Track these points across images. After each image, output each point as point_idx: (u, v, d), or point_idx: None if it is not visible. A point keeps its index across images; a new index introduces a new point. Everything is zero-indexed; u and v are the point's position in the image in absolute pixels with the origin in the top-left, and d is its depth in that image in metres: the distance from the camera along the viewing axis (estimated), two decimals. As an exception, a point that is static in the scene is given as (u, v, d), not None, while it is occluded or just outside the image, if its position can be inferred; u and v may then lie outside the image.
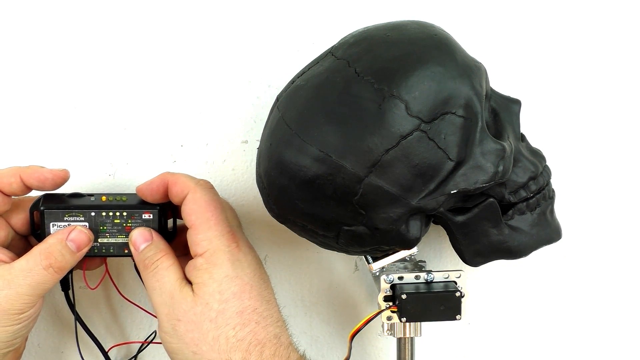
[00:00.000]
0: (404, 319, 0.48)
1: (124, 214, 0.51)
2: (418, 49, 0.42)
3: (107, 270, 0.55)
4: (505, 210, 0.46)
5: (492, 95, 0.46)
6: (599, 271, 0.61)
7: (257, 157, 0.47)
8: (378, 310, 0.49)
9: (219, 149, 0.57)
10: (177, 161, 0.57)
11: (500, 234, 0.46)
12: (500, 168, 0.43)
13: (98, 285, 0.56)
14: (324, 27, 0.55)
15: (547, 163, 0.49)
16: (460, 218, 0.45)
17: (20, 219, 0.51)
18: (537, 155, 0.48)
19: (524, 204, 0.46)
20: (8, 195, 0.50)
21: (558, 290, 0.62)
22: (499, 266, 0.60)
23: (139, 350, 0.60)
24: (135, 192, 0.51)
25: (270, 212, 0.47)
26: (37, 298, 0.48)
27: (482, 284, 0.60)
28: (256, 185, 0.49)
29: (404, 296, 0.47)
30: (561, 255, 0.60)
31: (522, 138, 0.48)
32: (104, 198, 0.51)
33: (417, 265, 0.51)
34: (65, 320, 0.60)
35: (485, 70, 0.45)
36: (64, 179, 0.50)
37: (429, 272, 0.49)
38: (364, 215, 0.42)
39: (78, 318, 0.54)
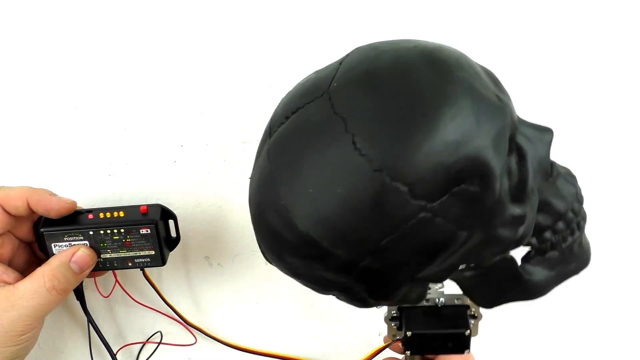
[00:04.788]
0: (408, 352, 0.46)
1: (122, 230, 0.51)
2: (428, 109, 0.34)
3: (116, 280, 0.57)
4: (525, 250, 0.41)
5: (519, 128, 0.39)
6: (598, 270, 0.61)
7: (249, 189, 0.41)
8: (384, 345, 0.48)
9: (219, 149, 0.57)
10: (177, 161, 0.57)
11: (517, 284, 0.41)
12: (519, 234, 0.37)
13: (110, 293, 0.57)
14: (324, 26, 0.55)
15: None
16: (469, 273, 0.40)
17: (24, 229, 0.52)
18: (568, 184, 0.42)
19: (548, 244, 0.41)
20: (13, 216, 0.50)
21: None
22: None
23: (140, 350, 0.60)
24: (135, 204, 0.52)
25: (263, 255, 0.43)
26: (39, 320, 0.48)
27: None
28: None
29: (409, 334, 0.45)
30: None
31: (552, 169, 0.41)
32: (101, 215, 0.52)
33: None
34: (65, 320, 0.60)
35: (510, 106, 0.38)
36: (69, 210, 0.51)
37: (439, 296, 0.46)
38: (361, 287, 0.39)
39: (91, 322, 0.56)
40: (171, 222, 0.54)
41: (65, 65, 0.55)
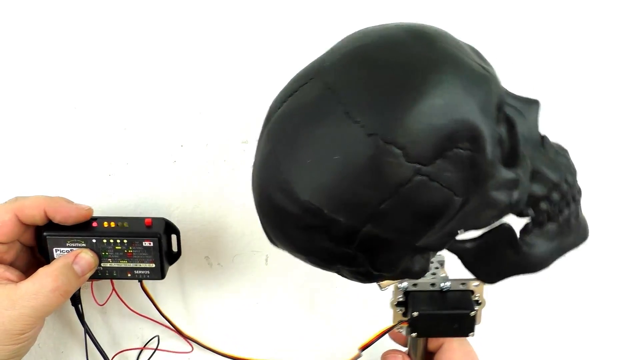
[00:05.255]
0: (414, 334, 0.46)
1: (125, 241, 0.51)
2: (415, 77, 0.36)
3: (113, 289, 0.57)
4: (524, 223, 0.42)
5: (506, 100, 0.41)
6: (596, 270, 0.61)
7: (251, 175, 0.43)
8: (390, 326, 0.48)
9: (219, 149, 0.57)
10: (177, 161, 0.57)
11: (516, 254, 0.42)
12: (514, 198, 0.39)
13: (106, 301, 0.58)
14: (323, 26, 0.55)
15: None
16: (470, 244, 0.41)
17: (28, 234, 0.52)
18: (560, 156, 0.43)
19: (545, 215, 0.41)
20: (26, 225, 0.50)
21: (555, 289, 0.62)
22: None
23: (138, 358, 0.60)
24: (140, 214, 0.53)
25: (268, 239, 0.45)
26: (39, 320, 0.48)
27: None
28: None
29: (415, 314, 0.45)
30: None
31: (543, 141, 0.43)
32: (105, 224, 0.52)
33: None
34: (65, 320, 0.60)
35: (495, 76, 0.40)
36: (86, 217, 0.51)
37: (444, 279, 0.47)
38: (364, 257, 0.40)
39: (88, 331, 0.56)
40: (174, 237, 0.54)
41: (65, 65, 0.55)
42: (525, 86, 0.56)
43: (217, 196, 0.58)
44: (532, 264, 0.42)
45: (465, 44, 0.41)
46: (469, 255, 0.42)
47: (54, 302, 0.48)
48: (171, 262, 0.54)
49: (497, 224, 0.40)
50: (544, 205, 0.41)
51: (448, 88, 0.36)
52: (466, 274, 0.47)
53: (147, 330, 0.62)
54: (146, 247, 0.51)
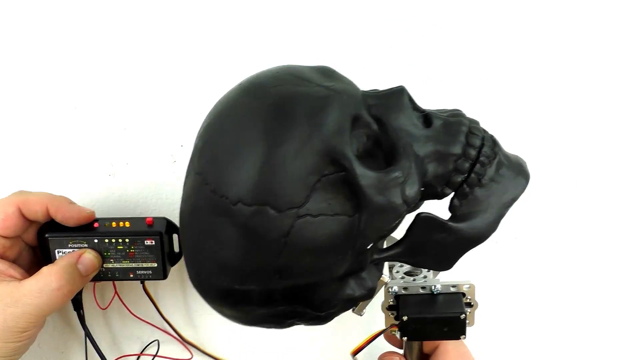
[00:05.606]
0: (405, 338, 0.46)
1: (127, 240, 0.51)
2: (254, 133, 0.36)
3: (116, 292, 0.57)
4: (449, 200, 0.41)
5: (368, 102, 0.40)
6: (592, 270, 0.61)
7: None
8: (380, 330, 0.48)
9: (219, 149, 0.57)
10: (177, 161, 0.57)
11: (453, 233, 0.40)
12: (407, 193, 0.38)
13: (108, 305, 0.58)
14: (321, 27, 0.55)
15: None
16: (399, 249, 0.41)
17: (31, 233, 0.52)
18: (454, 125, 0.41)
19: (465, 186, 0.40)
20: (29, 220, 0.50)
21: (551, 290, 0.62)
22: (495, 264, 0.60)
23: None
24: (140, 214, 0.53)
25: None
26: (41, 318, 0.48)
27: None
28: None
29: (405, 318, 0.45)
30: (557, 250, 0.60)
31: (427, 118, 0.41)
32: (107, 224, 0.52)
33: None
34: (65, 320, 0.60)
35: (343, 90, 0.39)
36: (87, 220, 0.51)
37: (435, 283, 0.47)
38: (301, 307, 0.40)
39: (89, 335, 0.56)
40: (175, 237, 0.54)
41: (65, 65, 0.55)
42: (526, 87, 0.56)
43: (217, 196, 0.58)
44: (475, 235, 0.41)
45: (308, 67, 0.41)
46: (405, 257, 0.42)
47: (57, 301, 0.48)
48: (173, 263, 0.54)
49: (415, 217, 0.40)
50: (457, 178, 0.40)
51: (290, 129, 0.36)
52: (458, 277, 0.48)
53: (147, 334, 0.62)
54: (148, 246, 0.51)
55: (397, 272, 0.49)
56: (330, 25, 0.55)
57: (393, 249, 0.41)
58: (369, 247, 0.39)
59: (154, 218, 0.52)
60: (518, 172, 0.41)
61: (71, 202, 0.51)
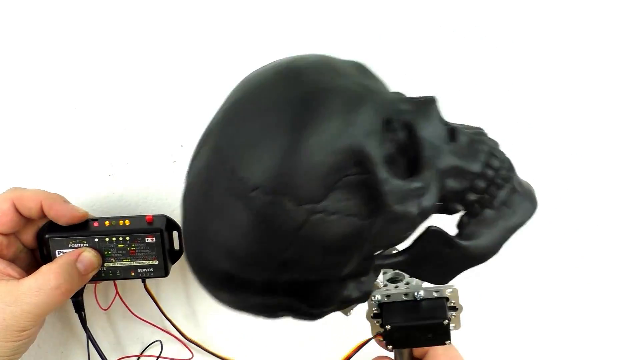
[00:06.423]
0: (390, 347, 0.46)
1: (127, 238, 0.51)
2: (285, 121, 0.36)
3: (117, 292, 0.57)
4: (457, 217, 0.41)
5: (400, 107, 0.39)
6: (587, 272, 0.61)
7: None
8: (366, 340, 0.48)
9: (219, 149, 0.57)
10: (177, 161, 0.57)
11: (457, 250, 0.40)
12: (423, 206, 0.37)
13: (110, 306, 0.58)
14: (321, 26, 0.55)
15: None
16: (403, 257, 0.41)
17: (29, 235, 0.52)
18: (477, 143, 0.41)
19: (476, 205, 0.40)
20: (24, 217, 0.50)
21: (542, 291, 0.62)
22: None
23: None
24: (140, 214, 0.53)
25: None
26: (41, 317, 0.48)
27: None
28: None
29: (388, 327, 0.45)
30: (552, 253, 0.60)
31: (453, 133, 0.40)
32: (107, 223, 0.52)
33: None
34: (65, 320, 0.60)
35: (379, 90, 0.39)
36: (79, 219, 0.51)
37: (417, 289, 0.46)
38: (297, 301, 0.40)
39: (90, 337, 0.56)
40: (175, 234, 0.54)
41: (65, 65, 0.55)
42: (526, 87, 0.56)
43: (217, 196, 0.58)
44: (478, 255, 0.41)
45: (347, 62, 0.40)
46: (406, 266, 0.41)
47: (56, 300, 0.47)
48: (173, 261, 0.54)
49: (424, 229, 0.40)
50: (471, 197, 0.40)
51: (321, 122, 0.35)
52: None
53: (149, 334, 0.62)
54: (149, 243, 0.51)
55: (379, 280, 0.48)
56: (330, 25, 0.55)
57: (396, 257, 0.41)
58: (376, 253, 0.39)
59: (154, 215, 0.52)
60: (528, 199, 0.42)
61: (65, 201, 0.51)
